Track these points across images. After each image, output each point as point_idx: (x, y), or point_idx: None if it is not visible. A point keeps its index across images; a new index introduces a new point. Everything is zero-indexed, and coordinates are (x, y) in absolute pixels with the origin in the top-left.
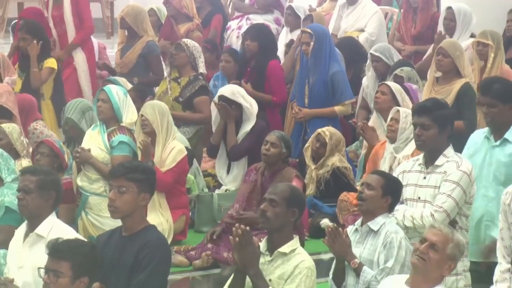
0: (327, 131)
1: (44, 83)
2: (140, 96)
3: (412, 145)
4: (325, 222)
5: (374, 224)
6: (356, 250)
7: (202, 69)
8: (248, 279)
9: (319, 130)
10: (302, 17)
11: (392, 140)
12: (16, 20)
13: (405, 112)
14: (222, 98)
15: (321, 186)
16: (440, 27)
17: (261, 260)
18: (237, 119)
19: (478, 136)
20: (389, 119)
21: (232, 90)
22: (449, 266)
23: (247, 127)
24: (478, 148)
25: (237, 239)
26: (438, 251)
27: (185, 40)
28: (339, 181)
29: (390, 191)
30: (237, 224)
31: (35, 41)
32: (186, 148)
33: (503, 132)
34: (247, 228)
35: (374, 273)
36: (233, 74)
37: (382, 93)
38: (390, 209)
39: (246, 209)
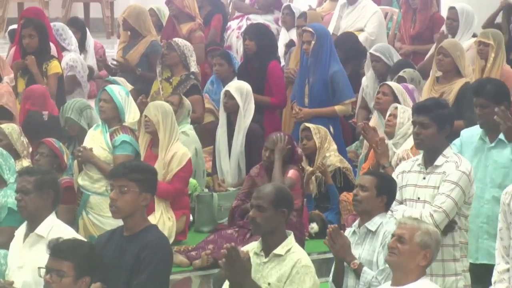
0: (310, 126)
1: (55, 93)
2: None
3: (411, 140)
4: (313, 227)
5: (371, 224)
6: (355, 252)
7: (194, 68)
8: None
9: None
10: None
11: (390, 135)
12: (15, 27)
13: (403, 107)
14: (228, 92)
15: (321, 188)
16: (443, 27)
17: (257, 261)
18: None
19: (472, 136)
20: (387, 115)
21: (238, 87)
22: (424, 255)
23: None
24: (474, 149)
25: (224, 259)
26: (405, 242)
27: (175, 39)
28: (340, 181)
29: (385, 190)
30: (225, 245)
31: (28, 57)
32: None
33: (497, 133)
34: (232, 244)
35: (374, 273)
36: (228, 77)
37: (384, 93)
38: (386, 208)
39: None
